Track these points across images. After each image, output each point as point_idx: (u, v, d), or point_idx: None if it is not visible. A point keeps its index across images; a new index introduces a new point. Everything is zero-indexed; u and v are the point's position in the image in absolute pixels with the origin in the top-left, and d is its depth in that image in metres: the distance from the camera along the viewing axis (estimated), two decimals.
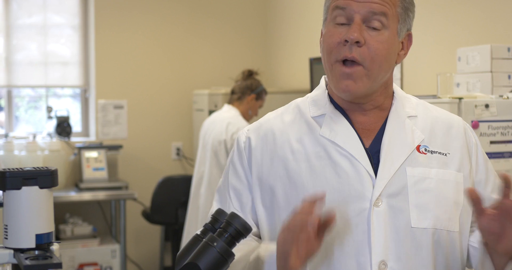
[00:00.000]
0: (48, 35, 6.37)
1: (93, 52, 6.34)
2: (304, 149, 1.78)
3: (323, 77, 1.90)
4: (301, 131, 1.81)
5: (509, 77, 3.45)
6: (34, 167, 1.42)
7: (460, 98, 3.06)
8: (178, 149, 6.54)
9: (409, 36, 1.82)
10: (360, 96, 1.75)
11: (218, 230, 1.51)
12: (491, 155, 3.06)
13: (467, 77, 3.55)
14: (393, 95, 1.85)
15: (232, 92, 5.12)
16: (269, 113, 1.93)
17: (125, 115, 6.40)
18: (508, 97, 3.16)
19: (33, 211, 1.39)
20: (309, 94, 1.91)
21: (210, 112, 5.72)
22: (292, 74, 6.29)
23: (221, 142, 4.83)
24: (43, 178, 1.40)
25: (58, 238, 5.74)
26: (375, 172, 1.72)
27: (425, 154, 1.77)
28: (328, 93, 1.85)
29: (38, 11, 6.36)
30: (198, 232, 1.54)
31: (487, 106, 3.06)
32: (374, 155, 1.75)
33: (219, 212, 1.54)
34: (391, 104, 1.82)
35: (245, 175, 1.83)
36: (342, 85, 1.71)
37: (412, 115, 1.83)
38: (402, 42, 1.79)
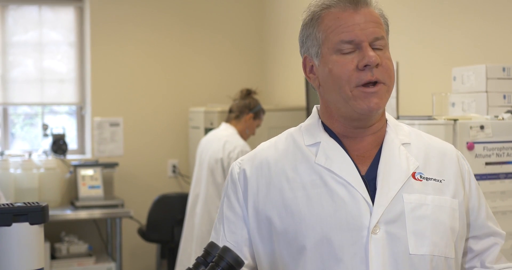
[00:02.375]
0: (44, 52, 6.38)
1: (89, 69, 6.34)
2: (299, 178, 1.77)
3: (315, 107, 1.90)
4: (296, 159, 1.80)
5: (504, 97, 3.45)
6: (24, 203, 1.40)
7: (455, 120, 3.06)
8: (174, 167, 6.53)
9: None
10: (377, 117, 1.79)
11: (210, 264, 1.50)
12: (487, 177, 3.05)
13: (463, 97, 3.54)
14: (386, 122, 1.86)
15: (230, 111, 5.11)
16: (262, 143, 1.92)
17: (121, 133, 6.39)
18: (503, 118, 3.15)
19: (23, 248, 1.38)
20: (302, 124, 1.91)
21: (206, 129, 5.72)
22: (288, 92, 6.29)
23: (218, 160, 4.82)
24: (33, 214, 1.38)
25: (53, 257, 5.72)
26: (372, 199, 1.72)
27: (421, 180, 1.77)
28: (321, 121, 1.85)
29: (33, 27, 6.37)
30: (191, 266, 1.53)
31: (482, 127, 3.06)
32: (370, 182, 1.75)
33: (212, 246, 1.53)
34: (385, 131, 1.83)
35: (240, 207, 1.82)
36: (371, 103, 1.72)
37: (406, 142, 1.83)
38: None
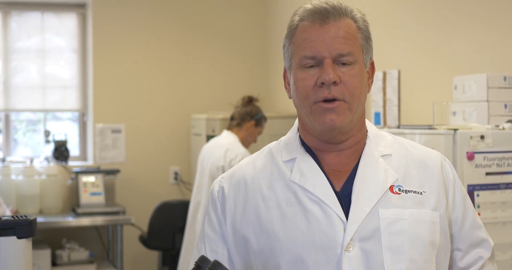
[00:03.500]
0: (47, 58, 6.38)
1: (91, 76, 6.34)
2: (275, 196, 1.75)
3: (297, 119, 1.88)
4: (273, 176, 1.79)
5: (505, 106, 3.43)
6: (12, 216, 1.39)
7: (455, 129, 3.04)
8: (176, 174, 6.51)
9: (372, 65, 1.83)
10: (343, 131, 1.74)
11: None
12: (487, 187, 3.03)
13: (464, 106, 3.52)
14: (366, 134, 1.83)
15: (232, 118, 5.10)
16: (243, 159, 1.91)
17: (123, 139, 6.38)
18: (504, 128, 3.13)
19: (10, 262, 1.36)
20: (282, 138, 1.89)
21: (208, 136, 5.71)
22: (290, 99, 6.26)
23: (219, 168, 4.81)
24: (21, 228, 1.37)
25: (54, 264, 5.71)
26: (347, 215, 1.69)
27: (399, 194, 1.74)
28: (299, 136, 1.83)
29: (36, 33, 6.37)
30: None
31: (482, 137, 3.04)
32: (345, 197, 1.72)
33: (202, 260, 1.52)
34: (364, 144, 1.81)
35: (219, 226, 1.81)
36: (327, 120, 1.70)
37: (386, 153, 1.80)
38: (368, 71, 1.80)
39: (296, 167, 1.77)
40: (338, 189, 1.73)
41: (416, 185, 1.76)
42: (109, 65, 6.33)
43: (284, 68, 1.83)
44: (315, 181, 1.73)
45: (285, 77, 1.83)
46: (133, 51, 6.40)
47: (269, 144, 1.91)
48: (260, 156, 1.87)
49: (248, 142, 5.04)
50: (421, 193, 1.75)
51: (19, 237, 1.38)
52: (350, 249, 1.66)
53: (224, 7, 6.64)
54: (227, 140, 4.96)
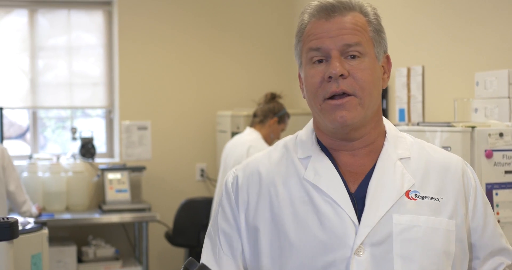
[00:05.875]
0: (73, 56, 6.40)
1: (117, 73, 6.35)
2: (289, 193, 1.71)
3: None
4: (288, 173, 1.75)
5: None
6: None
7: (473, 127, 2.98)
8: (202, 170, 6.50)
9: (387, 58, 1.77)
10: (356, 127, 1.69)
11: None
12: (506, 185, 2.97)
13: (485, 103, 3.45)
14: (385, 135, 1.77)
15: (254, 115, 5.07)
16: (257, 153, 1.88)
17: (149, 136, 6.38)
18: None
19: None
20: (298, 132, 1.85)
21: (233, 133, 5.68)
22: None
23: None
24: (1, 230, 1.35)
25: (80, 260, 5.73)
26: (360, 218, 1.65)
27: (415, 200, 1.68)
28: (315, 134, 1.79)
29: (63, 31, 6.39)
30: None
31: (501, 134, 2.97)
32: (359, 200, 1.67)
33: (190, 262, 1.49)
34: (382, 145, 1.75)
35: (233, 218, 1.77)
36: (337, 117, 1.65)
37: (405, 157, 1.74)
38: (382, 66, 1.75)
39: (311, 166, 1.73)
40: (352, 191, 1.69)
41: (433, 191, 1.71)
42: (135, 62, 6.34)
43: (298, 69, 1.79)
44: (329, 181, 1.69)
45: (299, 77, 1.80)
46: (159, 48, 6.39)
47: (285, 137, 1.87)
48: (276, 149, 1.83)
49: (271, 139, 5.00)
50: (438, 200, 1.70)
51: None
52: (360, 253, 1.62)
53: (250, 3, 6.61)
54: (250, 137, 4.93)
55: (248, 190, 1.76)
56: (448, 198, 1.71)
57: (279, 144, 1.85)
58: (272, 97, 5.10)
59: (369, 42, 1.69)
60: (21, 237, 2.53)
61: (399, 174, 1.71)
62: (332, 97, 1.66)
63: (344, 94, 1.65)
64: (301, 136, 1.82)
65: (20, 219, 3.19)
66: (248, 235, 1.74)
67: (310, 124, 1.83)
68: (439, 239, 1.66)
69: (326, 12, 1.69)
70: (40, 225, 2.97)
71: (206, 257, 1.78)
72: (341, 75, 1.64)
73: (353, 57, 1.67)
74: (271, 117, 4.99)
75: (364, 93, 1.66)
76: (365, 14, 1.72)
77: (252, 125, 5.06)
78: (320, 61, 1.69)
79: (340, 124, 1.67)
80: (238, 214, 1.76)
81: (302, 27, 1.76)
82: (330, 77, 1.65)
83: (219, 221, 1.79)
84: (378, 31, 1.73)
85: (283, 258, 1.67)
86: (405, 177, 1.70)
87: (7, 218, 1.37)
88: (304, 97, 1.77)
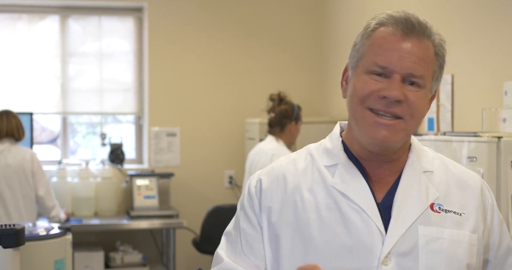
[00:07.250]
0: (104, 62, 6.44)
1: (147, 79, 6.37)
2: (315, 200, 1.71)
3: (338, 123, 1.84)
4: (314, 180, 1.74)
5: None
6: (0, 225, 1.37)
7: (499, 137, 2.93)
8: (230, 178, 6.49)
9: (435, 92, 1.77)
10: (392, 148, 1.70)
11: None
12: None
13: None
14: (409, 148, 1.77)
15: (270, 125, 5.00)
16: (281, 158, 1.86)
17: (177, 143, 6.39)
18: None
19: None
20: (322, 141, 1.84)
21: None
22: (345, 104, 6.18)
23: None
24: (7, 237, 1.35)
25: (108, 266, 5.75)
26: (386, 228, 1.65)
27: (439, 213, 1.70)
28: (342, 140, 1.77)
29: (94, 37, 6.44)
30: None
31: None
32: (385, 210, 1.68)
33: None
34: (407, 157, 1.76)
35: (257, 221, 1.75)
36: (379, 135, 1.65)
37: (428, 170, 1.76)
38: (429, 98, 1.75)
39: (338, 173, 1.72)
40: (379, 201, 1.69)
41: (456, 206, 1.73)
42: (164, 68, 6.36)
43: (347, 65, 1.77)
44: (357, 189, 1.69)
45: (344, 73, 1.78)
46: (189, 55, 6.41)
47: (309, 145, 1.85)
48: (300, 157, 1.82)
49: (294, 138, 4.98)
50: (460, 215, 1.71)
51: (4, 247, 1.36)
52: (388, 263, 1.62)
53: (281, 10, 6.60)
54: (271, 145, 4.89)
55: (273, 194, 1.75)
56: (470, 213, 1.73)
57: (302, 152, 1.84)
58: (280, 101, 5.04)
59: (430, 75, 1.69)
60: (44, 242, 2.55)
61: (424, 186, 1.72)
62: (378, 110, 1.65)
63: (394, 116, 1.65)
64: (325, 144, 1.81)
65: (45, 225, 3.22)
66: (270, 238, 1.73)
67: (335, 132, 1.82)
68: (463, 251, 1.68)
69: (403, 28, 1.67)
70: (64, 230, 2.99)
71: (225, 257, 1.78)
72: (397, 100, 1.64)
73: (412, 83, 1.66)
74: (288, 123, 4.95)
75: (412, 121, 1.67)
76: (434, 44, 1.71)
77: (271, 133, 5.01)
78: (378, 74, 1.67)
79: (379, 142, 1.67)
80: (261, 217, 1.75)
81: (370, 31, 1.72)
82: (384, 97, 1.64)
83: (241, 223, 1.78)
84: (441, 67, 1.73)
85: (307, 262, 1.64)
86: (429, 190, 1.72)
87: (14, 225, 1.37)
88: (344, 97, 1.76)
